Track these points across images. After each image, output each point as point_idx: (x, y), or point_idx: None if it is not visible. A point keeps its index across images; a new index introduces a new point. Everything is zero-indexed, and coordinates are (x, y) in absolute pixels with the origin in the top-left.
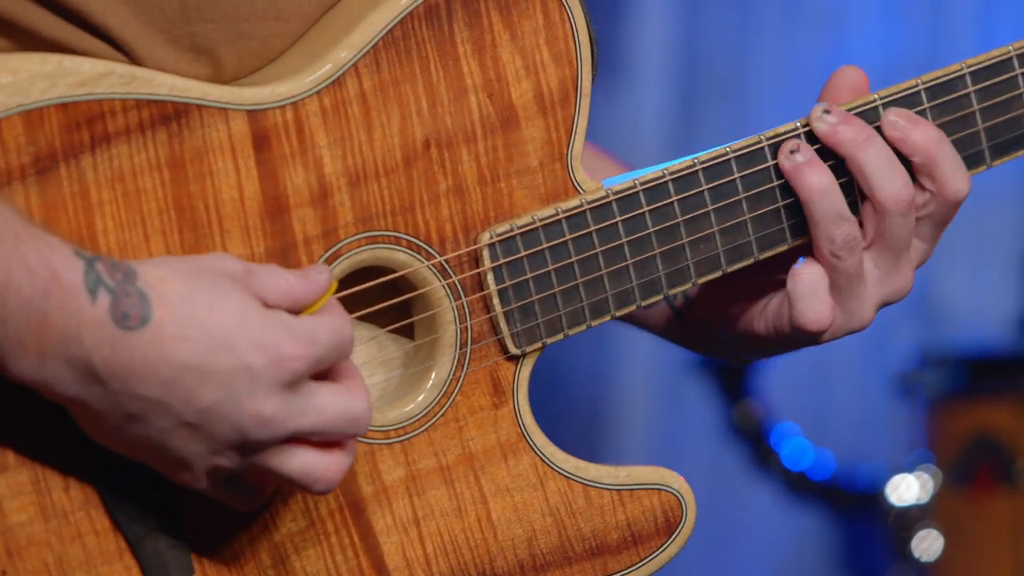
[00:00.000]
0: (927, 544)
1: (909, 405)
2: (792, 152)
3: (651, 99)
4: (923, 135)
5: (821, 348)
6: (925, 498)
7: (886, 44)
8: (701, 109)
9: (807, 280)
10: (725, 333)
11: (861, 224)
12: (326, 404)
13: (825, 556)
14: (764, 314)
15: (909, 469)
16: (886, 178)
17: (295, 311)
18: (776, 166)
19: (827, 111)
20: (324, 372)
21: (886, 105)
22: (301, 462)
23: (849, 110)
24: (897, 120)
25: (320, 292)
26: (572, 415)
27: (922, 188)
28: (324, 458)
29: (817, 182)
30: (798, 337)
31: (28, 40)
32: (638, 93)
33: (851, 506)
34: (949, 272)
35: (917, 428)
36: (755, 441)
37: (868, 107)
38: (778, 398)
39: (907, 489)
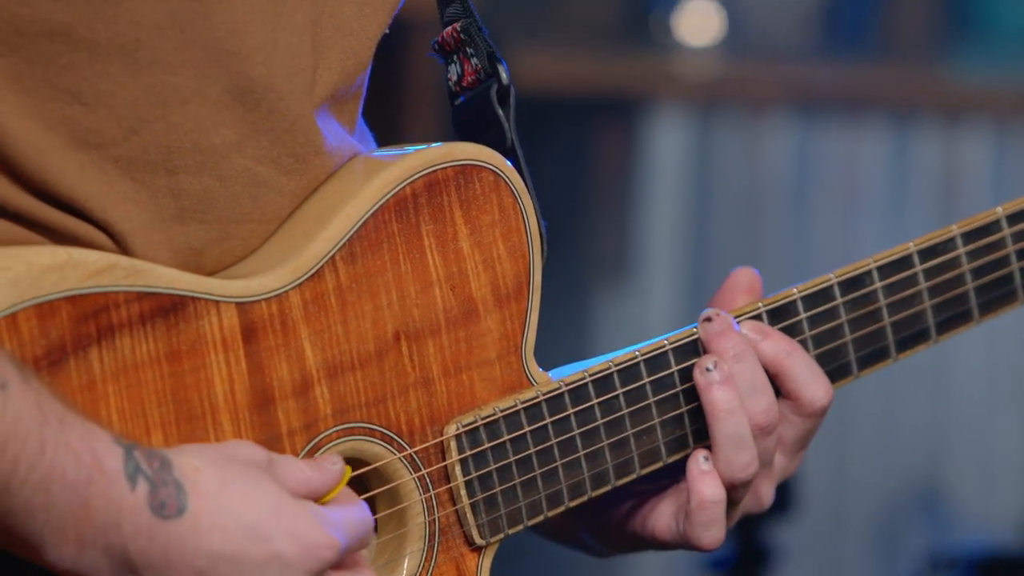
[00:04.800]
0: None
1: None
2: (708, 370)
3: (661, 300)
4: (771, 347)
5: (831, 550)
6: None
7: (896, 230)
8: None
9: (716, 510)
10: (594, 535)
11: None
12: None
13: None
14: (655, 520)
15: None
16: (749, 397)
17: (314, 500)
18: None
19: (709, 319)
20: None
21: (769, 311)
22: None
23: (736, 316)
24: (748, 334)
25: (334, 482)
26: None
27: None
28: None
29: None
30: (679, 548)
31: (26, 225)
32: (648, 294)
33: None
34: (957, 473)
35: None
36: None
37: (752, 314)
38: None
39: None
